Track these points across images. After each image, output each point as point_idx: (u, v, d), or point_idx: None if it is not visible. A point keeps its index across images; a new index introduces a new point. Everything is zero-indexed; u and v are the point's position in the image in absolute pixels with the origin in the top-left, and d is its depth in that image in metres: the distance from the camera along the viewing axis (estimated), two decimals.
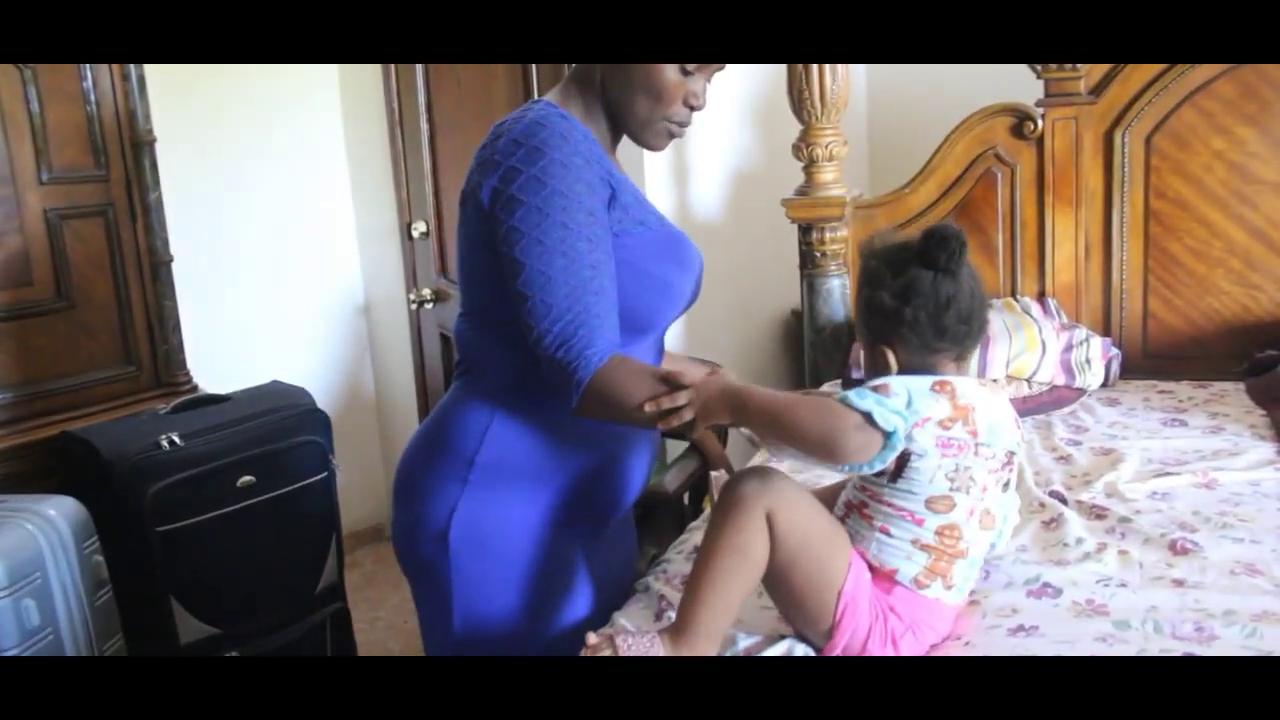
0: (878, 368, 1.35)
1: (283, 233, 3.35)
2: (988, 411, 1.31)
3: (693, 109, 1.39)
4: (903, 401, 1.24)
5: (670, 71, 1.35)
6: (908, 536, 1.30)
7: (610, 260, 1.32)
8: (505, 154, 1.31)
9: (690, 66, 1.35)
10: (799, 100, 2.50)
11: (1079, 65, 2.48)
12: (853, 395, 1.22)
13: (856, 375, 2.39)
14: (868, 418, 1.20)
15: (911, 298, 1.30)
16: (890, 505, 1.30)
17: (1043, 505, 1.77)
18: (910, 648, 1.30)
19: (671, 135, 1.42)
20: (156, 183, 2.63)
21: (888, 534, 1.30)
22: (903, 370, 1.32)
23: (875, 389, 1.25)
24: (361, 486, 3.63)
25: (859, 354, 2.36)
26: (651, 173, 2.81)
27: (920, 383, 1.28)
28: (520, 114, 1.36)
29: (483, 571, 1.41)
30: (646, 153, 2.89)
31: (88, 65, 2.49)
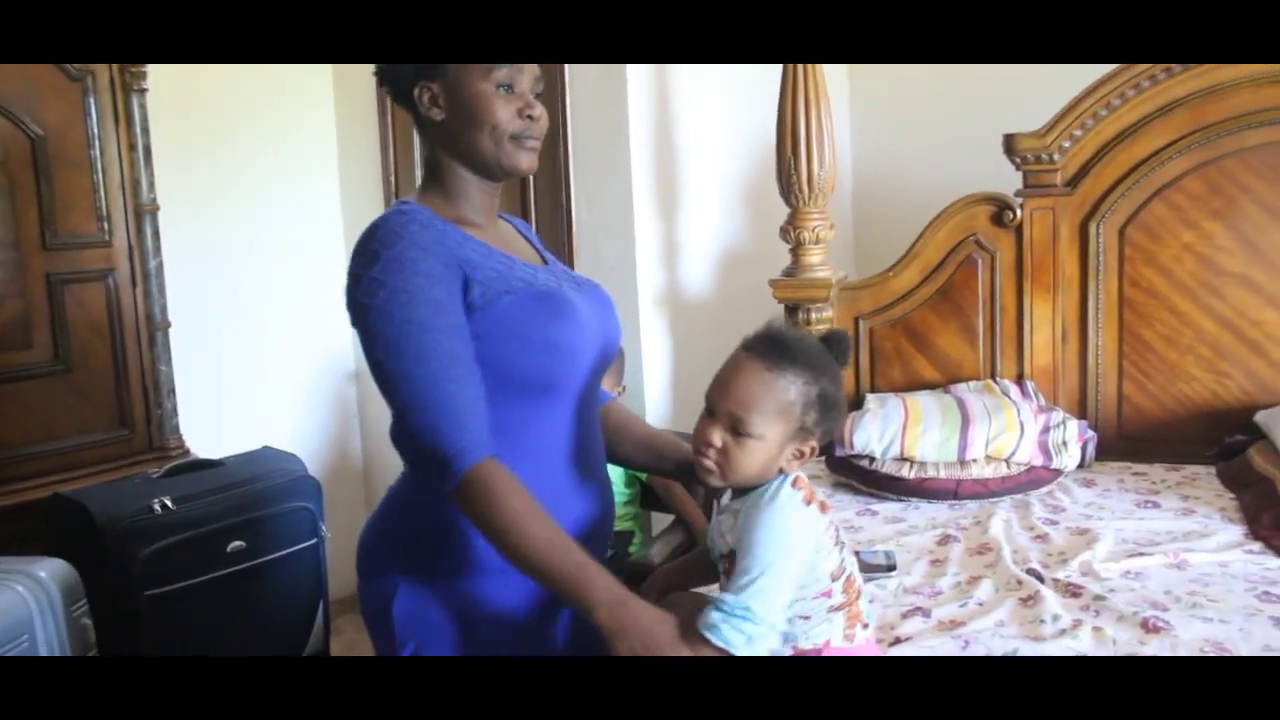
0: (774, 466, 1.31)
1: (276, 299, 3.40)
2: None
3: (531, 119, 1.38)
4: (788, 595, 1.25)
5: (484, 87, 1.34)
6: (823, 608, 1.31)
7: (468, 346, 1.31)
8: (352, 263, 1.35)
9: (500, 76, 1.34)
10: (787, 184, 2.59)
11: (1055, 159, 2.59)
12: (729, 636, 1.21)
13: (840, 453, 2.44)
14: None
15: (838, 390, 1.33)
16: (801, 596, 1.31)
17: (1020, 583, 1.82)
18: None
19: (528, 148, 1.39)
20: (158, 250, 2.69)
21: (807, 618, 1.30)
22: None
23: (749, 605, 1.22)
24: (345, 554, 3.58)
25: (846, 432, 2.42)
26: (643, 253, 2.88)
27: (811, 526, 1.29)
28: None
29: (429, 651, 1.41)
30: (639, 235, 2.99)
31: (96, 133, 2.57)
